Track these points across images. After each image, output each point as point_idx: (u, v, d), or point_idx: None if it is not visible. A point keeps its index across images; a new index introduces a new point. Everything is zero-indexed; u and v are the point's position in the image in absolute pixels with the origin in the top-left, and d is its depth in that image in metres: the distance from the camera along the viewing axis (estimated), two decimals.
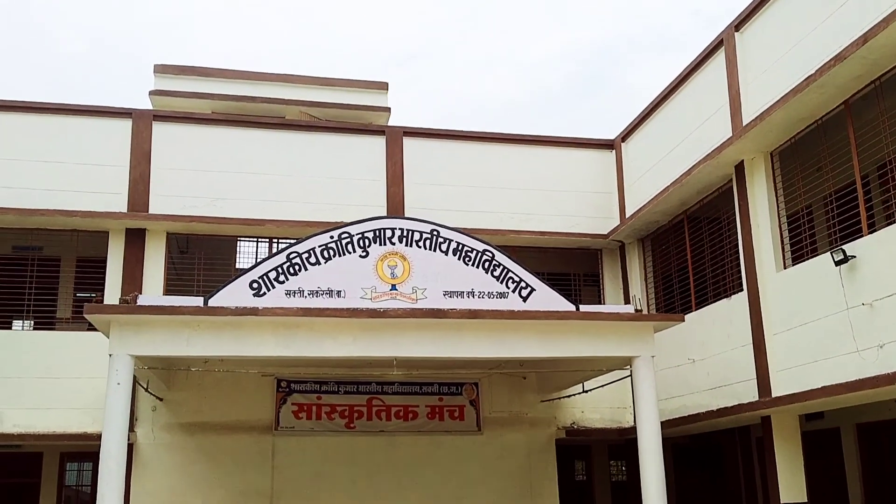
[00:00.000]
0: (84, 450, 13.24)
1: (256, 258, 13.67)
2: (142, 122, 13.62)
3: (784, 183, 11.28)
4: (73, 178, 13.16)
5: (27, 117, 13.36)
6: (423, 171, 14.46)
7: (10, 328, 13.54)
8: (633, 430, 10.95)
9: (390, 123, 17.35)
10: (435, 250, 10.53)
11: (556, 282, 12.99)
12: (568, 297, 10.92)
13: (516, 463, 13.93)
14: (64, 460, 14.06)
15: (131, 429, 12.23)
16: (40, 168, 13.10)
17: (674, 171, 12.87)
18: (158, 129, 13.68)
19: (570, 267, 15.42)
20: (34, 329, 13.84)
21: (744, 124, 11.12)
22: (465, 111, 52.37)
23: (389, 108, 17.62)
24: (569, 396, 13.67)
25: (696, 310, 12.94)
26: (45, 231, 13.21)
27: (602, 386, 12.68)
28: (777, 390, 10.76)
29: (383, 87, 18.02)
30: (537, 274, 10.89)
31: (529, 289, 10.66)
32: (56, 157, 13.21)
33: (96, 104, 13.98)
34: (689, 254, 13.40)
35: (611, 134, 15.48)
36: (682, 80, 13.04)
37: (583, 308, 10.81)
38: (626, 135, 14.92)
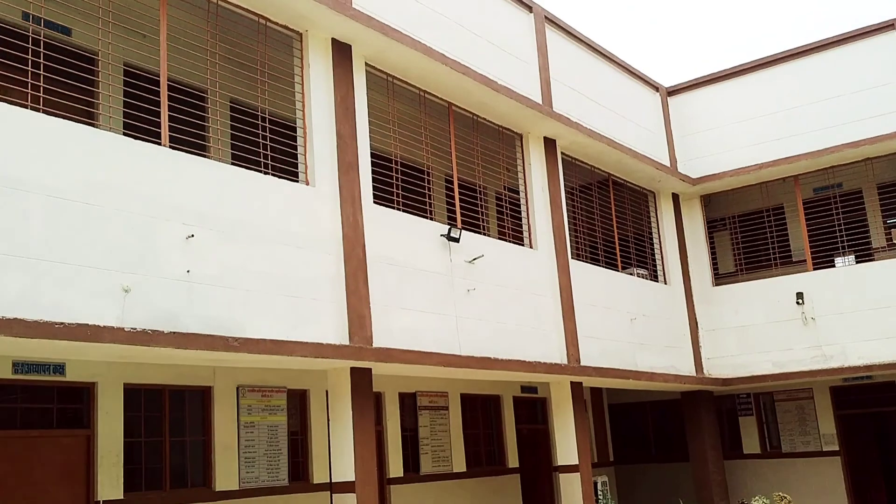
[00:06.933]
0: None
1: None
2: None
3: None
4: (850, 108, 13.05)
5: (801, 62, 13.77)
6: None
7: (832, 266, 13.99)
8: None
9: None
10: None
11: None
12: None
13: None
14: None
15: None
16: (817, 108, 13.35)
17: None
18: None
19: None
20: (856, 263, 14.02)
21: None
22: None
23: None
24: None
25: None
26: (838, 167, 13.41)
27: None
28: None
29: None
30: None
31: None
32: (831, 92, 13.27)
33: (860, 27, 13.49)
34: None
35: None
36: None
37: None
38: None
